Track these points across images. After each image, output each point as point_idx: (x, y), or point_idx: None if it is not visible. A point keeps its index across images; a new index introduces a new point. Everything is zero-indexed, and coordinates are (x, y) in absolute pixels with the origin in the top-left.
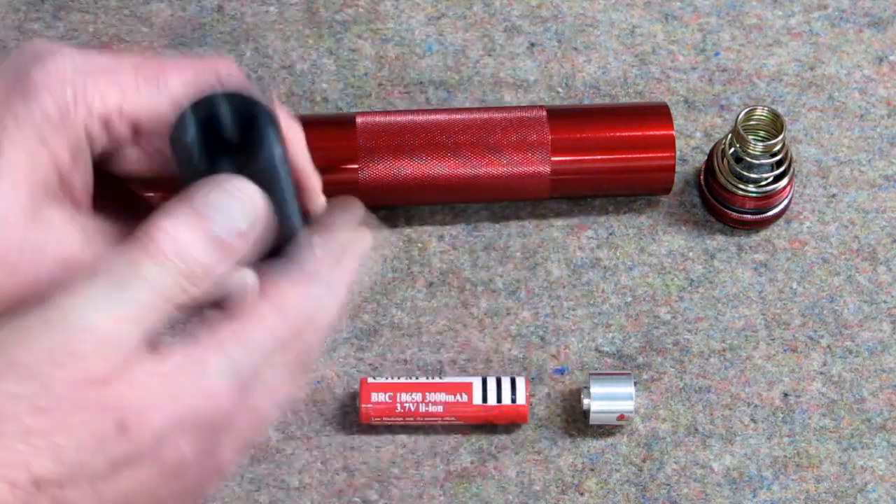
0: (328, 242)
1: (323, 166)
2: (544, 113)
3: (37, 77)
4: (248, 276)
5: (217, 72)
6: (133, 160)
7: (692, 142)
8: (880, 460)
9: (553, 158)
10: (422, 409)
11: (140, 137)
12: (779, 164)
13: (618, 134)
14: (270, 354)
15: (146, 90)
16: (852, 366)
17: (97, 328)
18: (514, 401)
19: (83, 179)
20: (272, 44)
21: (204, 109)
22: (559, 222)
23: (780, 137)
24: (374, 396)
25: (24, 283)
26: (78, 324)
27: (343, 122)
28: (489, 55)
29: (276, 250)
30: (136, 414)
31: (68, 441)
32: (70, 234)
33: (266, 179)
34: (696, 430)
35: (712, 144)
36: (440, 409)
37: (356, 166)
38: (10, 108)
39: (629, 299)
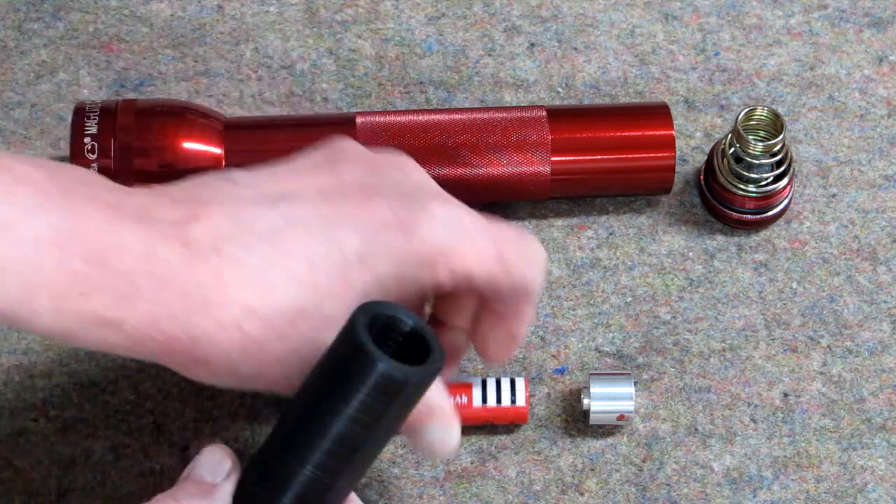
0: None
1: None
2: (544, 113)
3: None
4: None
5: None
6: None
7: (692, 142)
8: (880, 460)
9: (553, 158)
10: None
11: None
12: (779, 164)
13: (618, 134)
14: None
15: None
16: (852, 366)
17: None
18: (513, 402)
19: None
20: (272, 44)
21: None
22: (559, 222)
23: (780, 137)
24: None
25: None
26: None
27: (343, 122)
28: (489, 55)
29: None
30: None
31: None
32: None
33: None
34: (696, 430)
35: (712, 144)
36: None
37: None
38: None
39: (629, 299)
